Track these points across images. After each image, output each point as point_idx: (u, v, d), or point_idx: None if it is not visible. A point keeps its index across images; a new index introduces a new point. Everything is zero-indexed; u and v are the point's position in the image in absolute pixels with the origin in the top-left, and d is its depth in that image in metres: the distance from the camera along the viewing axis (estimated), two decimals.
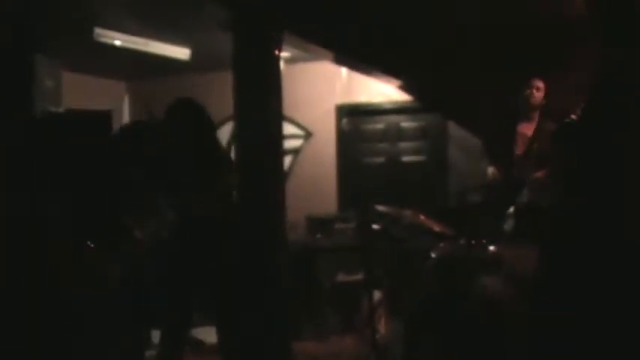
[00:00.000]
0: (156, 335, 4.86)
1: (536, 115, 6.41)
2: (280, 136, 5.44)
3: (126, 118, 9.07)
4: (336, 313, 6.75)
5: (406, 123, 8.86)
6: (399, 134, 8.89)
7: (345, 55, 6.82)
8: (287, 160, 8.60)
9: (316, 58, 7.38)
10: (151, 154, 4.69)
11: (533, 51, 6.58)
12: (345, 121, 8.86)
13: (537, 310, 2.45)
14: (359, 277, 6.69)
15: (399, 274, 6.32)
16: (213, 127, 4.82)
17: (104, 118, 8.30)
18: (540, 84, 6.36)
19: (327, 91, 8.77)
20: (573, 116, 5.96)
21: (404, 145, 8.88)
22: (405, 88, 8.20)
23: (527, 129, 6.46)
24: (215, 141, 4.85)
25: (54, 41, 6.24)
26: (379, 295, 6.04)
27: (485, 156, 6.84)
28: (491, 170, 6.54)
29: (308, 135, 8.96)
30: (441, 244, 5.26)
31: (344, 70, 8.45)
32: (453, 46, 6.46)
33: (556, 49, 6.50)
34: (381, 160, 8.94)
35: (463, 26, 5.89)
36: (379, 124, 8.95)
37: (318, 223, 7.51)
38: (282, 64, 5.37)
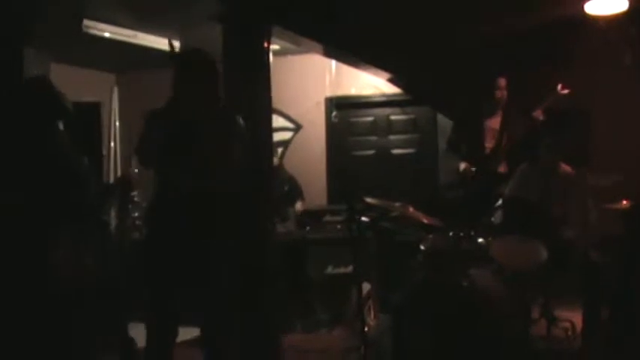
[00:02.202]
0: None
1: (500, 110, 6.57)
2: (270, 129, 5.44)
3: (115, 109, 9.05)
4: (325, 305, 6.75)
5: (396, 116, 8.87)
6: (389, 127, 8.90)
7: (335, 47, 6.82)
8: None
9: (306, 50, 7.38)
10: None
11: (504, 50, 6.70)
12: (334, 113, 8.86)
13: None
14: (348, 269, 6.70)
15: (388, 267, 6.34)
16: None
17: (93, 109, 8.31)
18: (503, 82, 6.51)
19: (316, 83, 8.76)
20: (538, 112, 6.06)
21: (394, 137, 8.89)
22: (394, 80, 8.22)
23: (494, 123, 6.59)
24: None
25: (43, 33, 6.22)
26: (368, 287, 6.05)
27: (455, 151, 6.89)
28: (463, 165, 6.60)
29: (297, 127, 8.95)
30: (430, 237, 5.27)
31: (333, 63, 8.44)
32: (440, 41, 6.49)
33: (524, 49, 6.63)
34: (370, 152, 8.95)
35: (449, 22, 5.91)
36: (369, 117, 8.95)
37: (308, 216, 7.51)
38: (271, 57, 5.36)
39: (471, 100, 7.00)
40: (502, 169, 6.54)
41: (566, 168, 5.77)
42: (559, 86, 6.22)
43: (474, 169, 6.60)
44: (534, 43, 6.54)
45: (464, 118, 6.93)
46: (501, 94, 6.56)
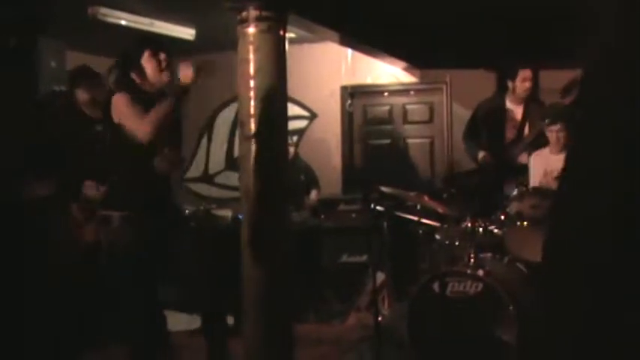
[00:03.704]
0: None
1: (524, 100, 6.52)
2: (285, 117, 5.42)
3: None
4: (339, 295, 6.76)
5: (412, 105, 8.84)
6: (405, 116, 8.87)
7: (351, 36, 6.79)
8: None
9: (321, 38, 7.36)
10: None
11: (527, 37, 6.63)
12: (350, 102, 8.84)
13: None
14: (363, 258, 6.70)
15: (403, 256, 6.33)
16: None
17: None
18: (528, 74, 6.45)
19: (332, 72, 8.74)
20: (567, 100, 6.01)
21: (409, 126, 8.86)
22: (410, 68, 8.20)
23: (516, 112, 6.55)
24: None
25: (58, 21, 6.23)
26: (383, 277, 6.04)
27: (471, 141, 6.87)
28: (482, 154, 6.58)
29: (313, 116, 8.94)
30: (445, 226, 5.26)
31: (349, 51, 8.42)
32: (455, 27, 6.44)
33: (549, 37, 6.55)
34: (386, 141, 8.92)
35: (466, 8, 5.86)
36: (384, 106, 8.93)
37: (323, 205, 7.51)
38: (287, 45, 5.34)
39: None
40: (524, 159, 6.49)
41: None
42: None
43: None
44: (555, 34, 6.48)
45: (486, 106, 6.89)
46: (525, 86, 6.49)
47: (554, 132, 5.83)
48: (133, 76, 4.30)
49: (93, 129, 5.23)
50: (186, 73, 4.20)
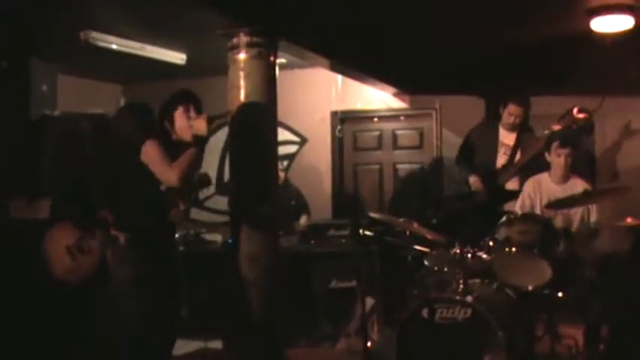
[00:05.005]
0: None
1: (516, 127, 6.54)
2: (275, 142, 5.45)
3: None
4: (329, 320, 6.74)
5: (401, 130, 8.87)
6: (395, 141, 8.90)
7: (341, 62, 6.83)
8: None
9: (312, 64, 7.40)
10: None
11: (518, 65, 6.69)
12: (340, 127, 8.87)
13: None
14: (352, 284, 6.69)
15: (393, 282, 6.32)
16: None
17: (100, 121, 8.32)
18: (513, 109, 6.47)
19: (322, 97, 8.77)
20: (557, 127, 6.03)
21: (399, 152, 8.89)
22: (400, 94, 8.23)
23: (508, 139, 6.57)
24: None
25: (50, 45, 6.24)
26: (372, 302, 6.03)
27: (464, 164, 6.89)
28: (473, 178, 6.59)
29: (303, 141, 8.96)
30: (434, 252, 5.26)
31: (339, 77, 8.45)
32: (445, 53, 6.49)
33: (541, 64, 6.61)
34: (376, 167, 8.95)
35: (458, 36, 5.90)
36: (374, 131, 8.96)
37: (313, 230, 7.50)
38: (277, 71, 5.37)
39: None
40: (514, 185, 6.50)
41: (578, 181, 5.80)
42: (575, 109, 6.12)
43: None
44: (540, 61, 6.53)
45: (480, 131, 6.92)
46: (514, 120, 6.50)
47: (562, 155, 5.80)
48: (165, 123, 4.53)
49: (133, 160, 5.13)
50: (199, 126, 4.40)
